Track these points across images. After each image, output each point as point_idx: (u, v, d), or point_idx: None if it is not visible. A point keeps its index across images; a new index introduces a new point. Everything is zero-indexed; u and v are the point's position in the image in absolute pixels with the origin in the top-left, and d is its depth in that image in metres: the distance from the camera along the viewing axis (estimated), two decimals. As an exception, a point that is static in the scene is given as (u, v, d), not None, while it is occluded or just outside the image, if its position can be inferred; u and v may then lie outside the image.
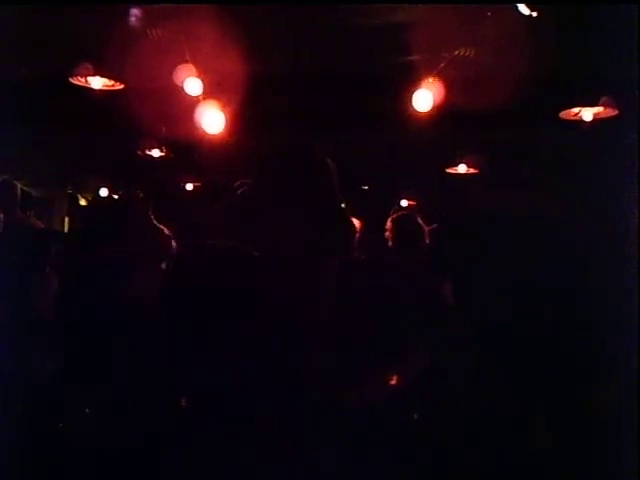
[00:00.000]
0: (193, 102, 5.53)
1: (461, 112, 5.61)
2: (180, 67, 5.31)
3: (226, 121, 5.58)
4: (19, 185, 4.77)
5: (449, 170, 8.17)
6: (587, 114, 5.67)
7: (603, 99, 5.45)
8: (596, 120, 5.67)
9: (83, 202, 10.31)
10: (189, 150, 6.73)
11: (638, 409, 3.29)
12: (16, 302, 4.30)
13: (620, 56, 3.75)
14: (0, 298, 4.07)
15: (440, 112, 5.25)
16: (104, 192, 10.43)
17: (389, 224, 4.00)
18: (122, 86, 5.66)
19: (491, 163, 7.72)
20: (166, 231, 4.20)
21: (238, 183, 3.85)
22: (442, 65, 5.04)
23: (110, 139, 7.70)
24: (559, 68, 5.28)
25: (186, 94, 5.41)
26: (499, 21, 4.43)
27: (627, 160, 3.71)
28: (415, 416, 3.42)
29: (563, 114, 5.78)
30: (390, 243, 3.95)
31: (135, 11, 4.82)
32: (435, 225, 5.26)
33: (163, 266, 3.44)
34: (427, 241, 4.05)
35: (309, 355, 2.97)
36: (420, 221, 4.01)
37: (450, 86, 5.13)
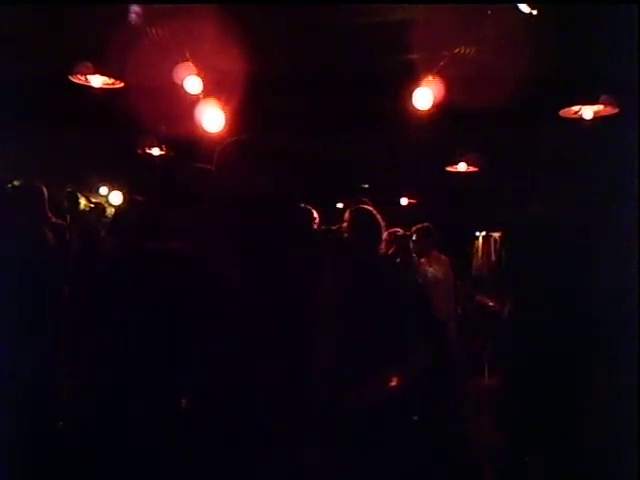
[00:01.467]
0: (193, 100, 5.53)
1: (461, 111, 5.60)
2: (180, 65, 5.31)
3: (226, 120, 5.59)
4: (45, 190, 4.79)
5: (449, 169, 8.17)
6: (587, 112, 5.66)
7: (603, 97, 5.45)
8: (596, 118, 5.66)
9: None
10: (189, 149, 6.73)
11: (638, 409, 3.30)
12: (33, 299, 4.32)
13: (620, 56, 3.75)
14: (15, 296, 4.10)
15: (440, 111, 5.24)
16: (104, 190, 10.45)
17: (347, 215, 3.92)
18: (122, 84, 5.66)
19: (491, 162, 7.72)
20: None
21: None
22: (442, 64, 5.03)
23: (110, 137, 7.69)
24: (559, 67, 5.27)
25: (186, 92, 5.41)
26: (499, 20, 4.42)
27: (627, 160, 3.71)
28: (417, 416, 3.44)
29: (563, 112, 5.77)
30: (346, 235, 3.86)
31: (135, 9, 4.81)
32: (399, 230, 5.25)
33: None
34: (382, 238, 3.93)
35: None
36: (378, 218, 3.91)
37: (450, 85, 5.13)
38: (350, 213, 3.91)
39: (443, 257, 6.04)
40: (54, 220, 4.85)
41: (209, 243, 3.16)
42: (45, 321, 4.37)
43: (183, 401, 2.94)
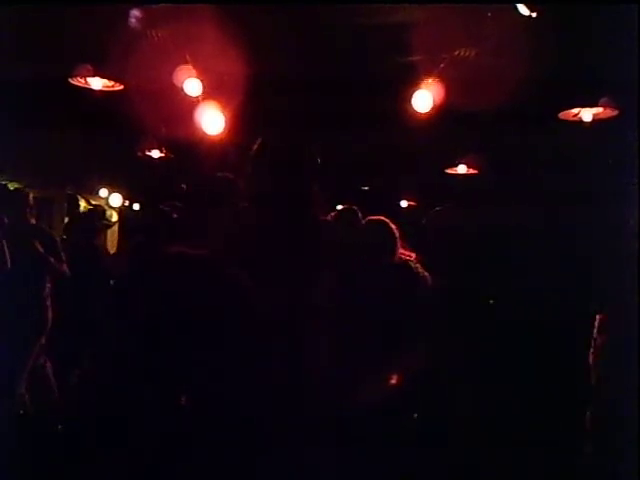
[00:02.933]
0: (193, 103, 5.53)
1: (461, 113, 5.60)
2: (180, 68, 5.32)
3: (225, 122, 5.59)
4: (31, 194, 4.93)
5: (449, 171, 8.17)
6: (587, 115, 5.66)
7: (603, 99, 5.45)
8: (596, 121, 5.66)
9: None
10: (189, 151, 6.73)
11: (638, 409, 3.30)
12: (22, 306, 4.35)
13: (620, 56, 3.76)
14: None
15: (440, 113, 5.24)
16: (104, 193, 10.44)
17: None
18: (122, 87, 5.67)
19: (490, 164, 7.72)
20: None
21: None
22: (442, 65, 5.03)
23: (110, 139, 7.69)
24: (559, 69, 5.26)
25: (186, 95, 5.41)
26: (499, 21, 4.42)
27: (627, 160, 3.71)
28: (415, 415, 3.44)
29: (563, 115, 5.77)
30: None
31: (135, 12, 4.82)
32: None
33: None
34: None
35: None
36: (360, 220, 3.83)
37: (450, 87, 5.13)
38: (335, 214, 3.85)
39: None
40: (36, 224, 4.97)
41: (210, 243, 3.15)
42: (35, 321, 4.40)
43: (182, 400, 2.94)
